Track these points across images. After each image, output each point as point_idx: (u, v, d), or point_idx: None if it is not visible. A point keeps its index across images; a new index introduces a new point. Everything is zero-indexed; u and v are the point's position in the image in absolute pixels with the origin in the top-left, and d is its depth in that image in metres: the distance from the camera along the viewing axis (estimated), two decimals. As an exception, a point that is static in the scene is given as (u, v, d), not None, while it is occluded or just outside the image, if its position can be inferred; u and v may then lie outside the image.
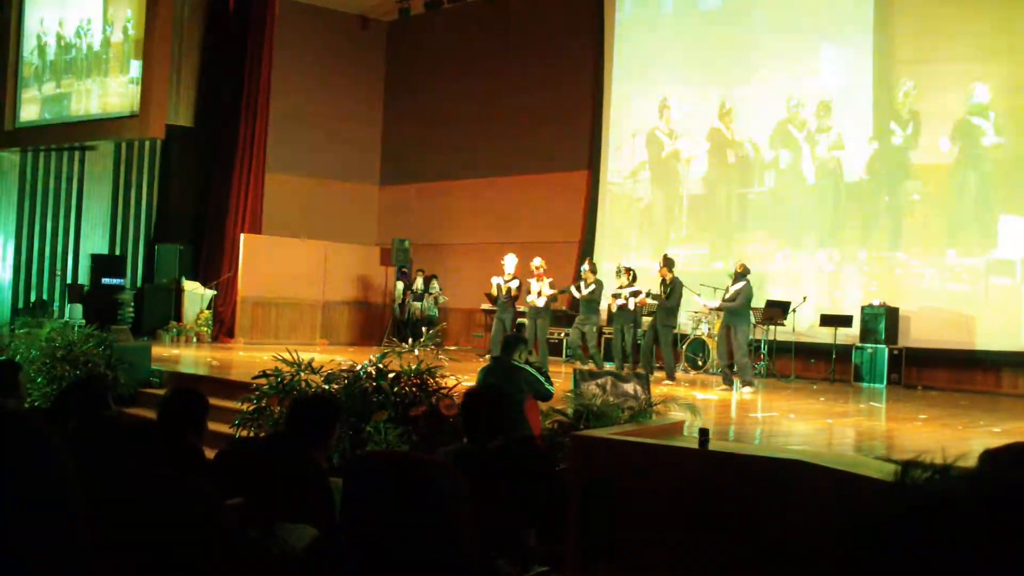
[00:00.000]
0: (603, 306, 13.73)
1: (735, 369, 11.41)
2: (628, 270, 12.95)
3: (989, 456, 1.61)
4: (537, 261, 13.23)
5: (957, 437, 7.66)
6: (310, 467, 3.60)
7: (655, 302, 12.51)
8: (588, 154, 16.87)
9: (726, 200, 15.28)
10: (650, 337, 12.40)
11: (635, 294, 12.61)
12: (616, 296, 12.82)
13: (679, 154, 15.87)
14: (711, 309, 12.42)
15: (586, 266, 13.43)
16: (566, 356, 14.76)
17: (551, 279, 13.17)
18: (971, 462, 1.33)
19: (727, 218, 15.23)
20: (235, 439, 6.46)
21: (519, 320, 13.30)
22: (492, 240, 16.66)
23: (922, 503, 0.74)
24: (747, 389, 11.08)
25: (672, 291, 12.25)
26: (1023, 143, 12.48)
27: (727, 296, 11.60)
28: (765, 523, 4.33)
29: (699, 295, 12.62)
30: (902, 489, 0.77)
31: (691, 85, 15.70)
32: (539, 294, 12.98)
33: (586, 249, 16.51)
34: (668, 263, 12.50)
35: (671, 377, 11.96)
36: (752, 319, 12.48)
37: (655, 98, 16.15)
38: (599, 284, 13.16)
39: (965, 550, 0.68)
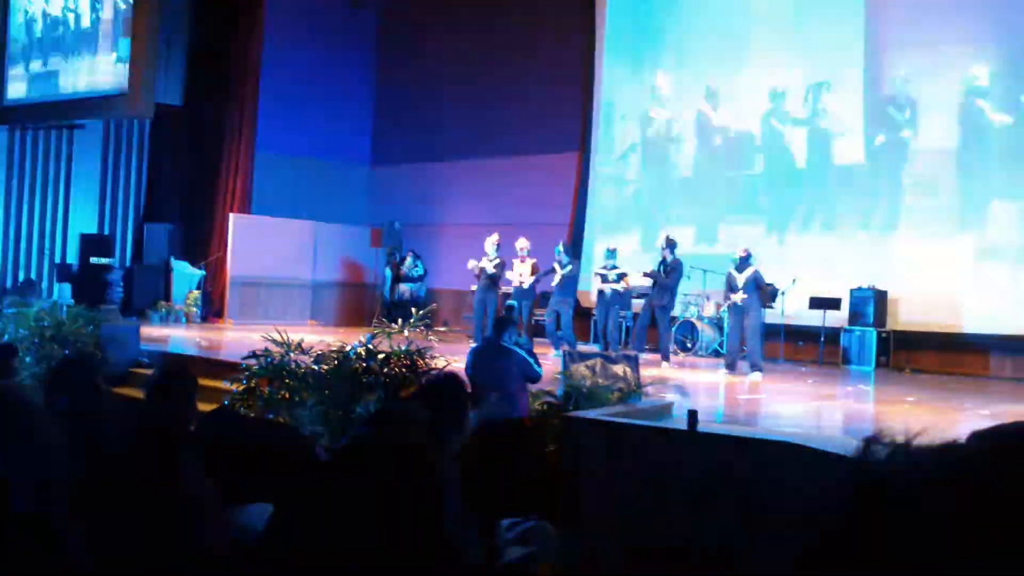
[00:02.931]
0: (593, 287, 13.71)
1: (747, 353, 11.25)
2: (613, 252, 12.93)
3: (976, 438, 1.61)
4: (521, 242, 13.24)
5: (945, 419, 7.70)
6: (294, 445, 3.61)
7: (650, 279, 12.31)
8: (579, 135, 16.84)
9: (716, 183, 15.25)
10: (644, 318, 12.31)
11: (622, 276, 12.57)
12: (603, 277, 12.77)
13: (669, 136, 15.84)
14: (733, 300, 11.48)
15: (560, 248, 13.36)
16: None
17: (534, 261, 13.17)
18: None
19: (716, 201, 15.21)
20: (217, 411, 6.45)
21: (509, 302, 13.30)
22: (483, 221, 16.62)
23: (883, 478, 0.73)
24: (757, 374, 10.93)
25: (672, 271, 12.14)
26: (1014, 128, 12.49)
27: (741, 284, 11.32)
28: (754, 504, 4.36)
29: (731, 290, 12.19)
30: (864, 465, 0.76)
31: (682, 66, 15.65)
32: (520, 276, 13.04)
33: (576, 231, 16.50)
34: (670, 244, 12.35)
35: (666, 358, 11.92)
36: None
37: (645, 79, 16.12)
38: (573, 266, 13.22)
39: (927, 525, 0.68)
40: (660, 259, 12.34)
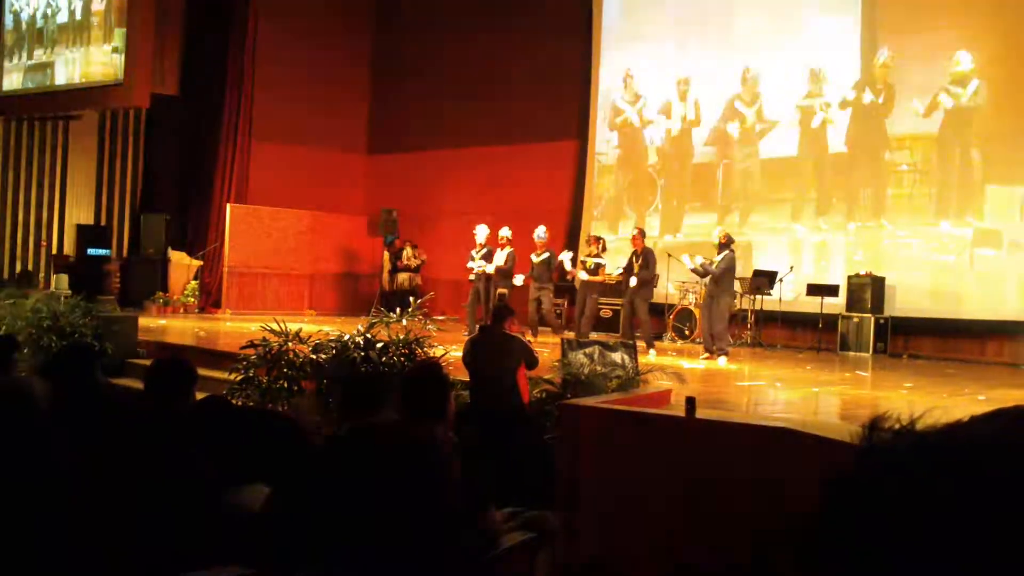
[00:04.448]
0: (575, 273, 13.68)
1: (714, 338, 11.43)
2: (598, 240, 12.91)
3: (980, 421, 1.61)
4: (504, 231, 13.22)
5: (942, 405, 7.71)
6: (285, 426, 3.63)
7: (620, 274, 12.34)
8: (576, 124, 16.82)
9: (712, 171, 15.25)
10: (627, 310, 12.32)
11: (599, 267, 12.55)
12: (583, 263, 12.76)
13: (663, 125, 15.82)
14: (691, 269, 12.03)
15: (544, 233, 13.30)
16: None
17: (511, 249, 13.15)
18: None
19: (713, 189, 15.22)
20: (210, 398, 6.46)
21: (500, 291, 13.28)
22: (480, 210, 16.61)
23: (892, 464, 0.71)
24: (722, 359, 11.07)
25: (646, 262, 12.14)
26: (1010, 113, 12.48)
27: (715, 268, 11.52)
28: (752, 491, 4.37)
29: (689, 259, 12.38)
30: (869, 451, 0.75)
31: (678, 55, 15.60)
32: (497, 267, 13.03)
33: (574, 219, 16.50)
34: (641, 234, 12.46)
35: (651, 346, 11.95)
36: (737, 289, 12.52)
37: (642, 69, 16.08)
38: (551, 253, 13.16)
39: (941, 514, 0.67)
40: (632, 251, 12.33)
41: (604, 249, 12.85)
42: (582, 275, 12.69)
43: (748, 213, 14.70)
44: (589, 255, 12.74)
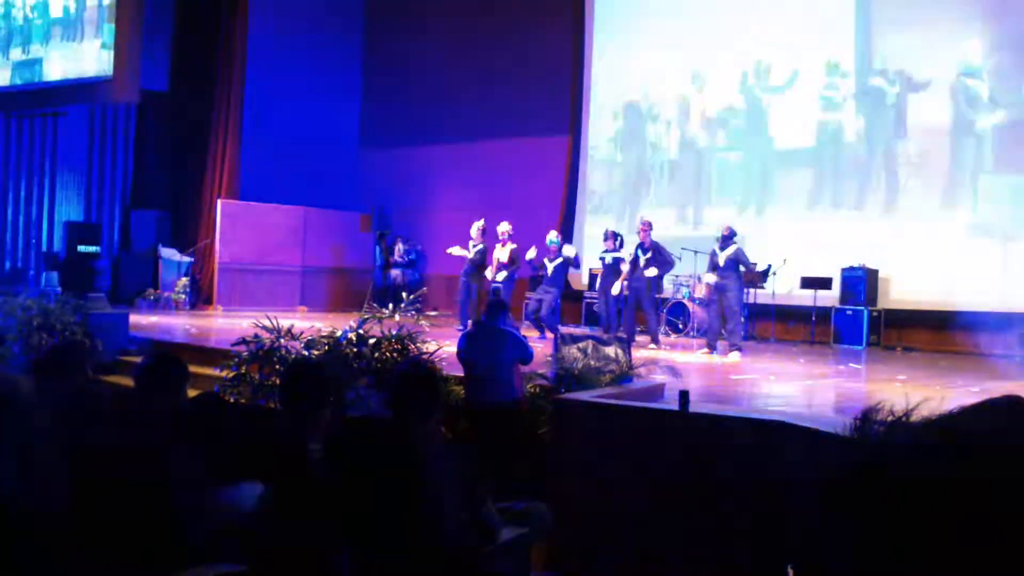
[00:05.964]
0: (583, 271, 13.61)
1: (726, 333, 11.28)
2: (615, 235, 12.82)
3: (968, 411, 1.60)
4: (503, 226, 13.13)
5: (935, 397, 7.69)
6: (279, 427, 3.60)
7: (631, 267, 12.25)
8: (569, 119, 16.79)
9: (705, 164, 15.24)
10: (633, 303, 12.24)
11: (619, 260, 12.46)
12: (602, 261, 12.69)
13: (657, 119, 15.80)
14: (710, 285, 11.58)
15: (556, 238, 13.19)
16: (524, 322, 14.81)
17: (514, 246, 13.07)
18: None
19: (706, 182, 15.20)
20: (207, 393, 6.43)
21: (494, 286, 13.23)
22: (473, 205, 16.57)
23: (884, 454, 0.71)
24: (735, 353, 10.94)
25: (656, 254, 12.01)
26: (1003, 105, 12.50)
27: (721, 263, 11.20)
28: (745, 483, 4.35)
29: (683, 264, 12.30)
30: (861, 443, 0.75)
31: (671, 48, 15.56)
32: (498, 261, 12.94)
33: (567, 214, 16.47)
34: (648, 226, 12.33)
35: (655, 341, 11.90)
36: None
37: (635, 62, 16.05)
38: (563, 258, 13.02)
39: (931, 500, 0.67)
40: (638, 244, 12.19)
41: (622, 245, 12.75)
42: (605, 264, 12.59)
43: (742, 206, 14.68)
44: (607, 251, 12.65)
